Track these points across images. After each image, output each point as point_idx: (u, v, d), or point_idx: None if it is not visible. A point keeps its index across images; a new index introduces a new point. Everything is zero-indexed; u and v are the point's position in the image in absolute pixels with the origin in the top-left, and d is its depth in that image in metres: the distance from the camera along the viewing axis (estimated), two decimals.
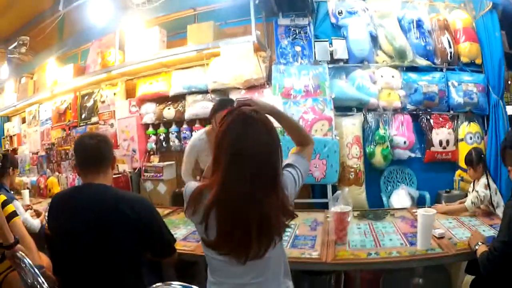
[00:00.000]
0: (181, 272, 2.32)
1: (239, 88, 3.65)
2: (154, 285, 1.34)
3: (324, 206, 3.45)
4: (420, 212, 1.94)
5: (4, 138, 6.15)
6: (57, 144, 4.82)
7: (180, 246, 2.14)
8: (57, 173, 4.70)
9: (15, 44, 4.77)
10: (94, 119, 4.40)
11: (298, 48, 3.72)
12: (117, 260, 1.63)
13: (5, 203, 2.22)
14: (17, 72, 5.46)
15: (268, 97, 3.54)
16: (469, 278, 2.45)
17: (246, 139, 1.22)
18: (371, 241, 2.12)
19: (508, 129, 3.99)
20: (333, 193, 3.46)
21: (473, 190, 2.70)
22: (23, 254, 1.81)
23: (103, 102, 4.25)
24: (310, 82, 3.60)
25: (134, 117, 4.02)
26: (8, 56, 4.93)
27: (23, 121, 5.68)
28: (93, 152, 1.73)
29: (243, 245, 1.21)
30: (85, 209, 1.63)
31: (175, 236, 1.94)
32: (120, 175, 3.80)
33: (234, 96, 3.68)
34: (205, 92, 3.74)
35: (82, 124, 4.53)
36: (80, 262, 1.64)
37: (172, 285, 1.33)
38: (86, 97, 4.51)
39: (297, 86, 3.59)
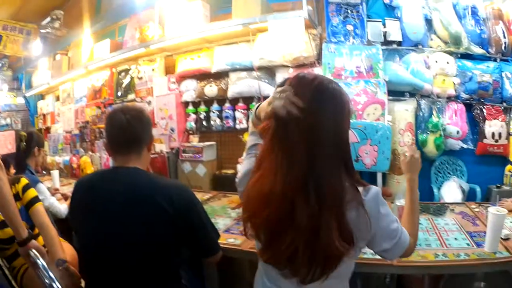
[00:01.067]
0: (223, 270, 1.97)
1: (287, 66, 3.34)
2: None
3: None
4: (492, 211, 1.68)
5: (37, 116, 5.88)
6: (92, 122, 4.55)
7: (222, 239, 1.81)
8: (90, 152, 4.43)
9: (49, 19, 4.48)
10: (130, 96, 4.10)
11: (350, 27, 3.39)
12: (149, 258, 1.35)
13: (26, 187, 1.93)
14: (52, 49, 5.13)
15: None
16: None
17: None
18: (436, 240, 1.91)
19: None
20: (383, 182, 3.24)
21: None
22: (36, 253, 1.50)
23: (140, 78, 3.94)
24: (362, 63, 3.28)
25: (173, 94, 3.70)
26: (41, 31, 4.63)
27: (57, 99, 5.36)
28: (125, 130, 1.42)
29: (291, 261, 0.95)
30: (112, 198, 1.35)
31: (216, 226, 1.60)
32: (156, 155, 3.50)
33: (281, 74, 3.38)
34: (250, 69, 3.41)
35: (118, 101, 4.22)
36: (106, 258, 1.37)
37: None
38: (123, 74, 4.21)
39: (348, 67, 3.28)
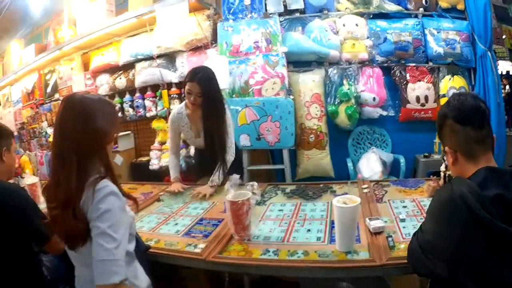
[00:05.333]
0: None
1: (184, 51, 3.23)
2: None
3: (281, 173, 3.03)
4: (336, 204, 1.24)
5: None
6: (27, 123, 4.61)
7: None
8: (28, 152, 4.50)
9: None
10: (57, 95, 4.11)
11: (247, 2, 3.14)
12: None
13: None
14: None
15: (212, 58, 3.06)
16: None
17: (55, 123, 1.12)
18: (281, 232, 1.45)
19: (499, 85, 3.40)
20: (290, 159, 3.00)
21: None
22: None
23: (61, 78, 3.93)
24: (260, 37, 3.07)
25: (90, 90, 3.62)
26: None
27: (0, 103, 5.44)
28: None
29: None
30: None
31: None
32: None
33: (180, 59, 3.27)
34: (152, 58, 3.32)
35: (47, 101, 4.25)
36: None
37: None
38: (49, 75, 4.21)
39: (246, 43, 3.06)
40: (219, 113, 2.04)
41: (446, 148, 1.09)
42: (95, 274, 1.01)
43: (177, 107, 2.22)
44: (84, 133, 1.06)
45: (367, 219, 1.43)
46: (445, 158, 1.15)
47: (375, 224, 1.37)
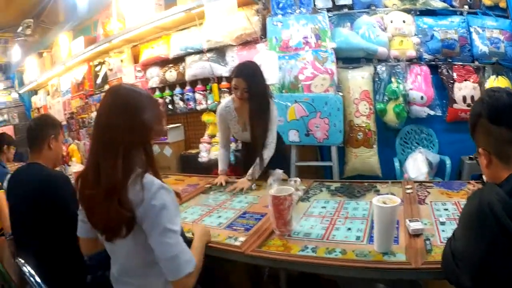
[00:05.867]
0: None
1: (234, 45, 3.27)
2: None
3: (329, 170, 3.07)
4: (375, 203, 1.23)
5: (32, 110, 6.29)
6: (77, 113, 4.78)
7: None
8: (76, 141, 4.68)
9: (21, 28, 4.80)
10: (107, 87, 4.19)
11: None
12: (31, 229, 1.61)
13: None
14: (33, 50, 5.52)
15: (262, 53, 3.10)
16: None
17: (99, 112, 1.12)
18: (322, 229, 1.45)
19: None
20: (338, 156, 3.03)
21: None
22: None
23: (111, 70, 4.04)
24: (309, 33, 3.09)
25: (140, 82, 3.77)
26: (16, 39, 5.02)
27: (48, 93, 5.70)
28: (27, 133, 1.75)
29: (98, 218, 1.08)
30: (17, 187, 1.67)
31: None
32: None
33: (230, 54, 3.32)
34: (202, 52, 3.37)
35: (97, 92, 4.38)
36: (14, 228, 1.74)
37: None
38: (98, 67, 4.33)
39: (295, 38, 3.08)
40: (264, 108, 2.08)
41: (480, 150, 1.02)
42: (167, 273, 1.02)
43: (224, 100, 2.27)
44: (132, 125, 1.06)
45: (407, 220, 1.40)
46: (478, 159, 1.06)
47: (414, 226, 1.34)
